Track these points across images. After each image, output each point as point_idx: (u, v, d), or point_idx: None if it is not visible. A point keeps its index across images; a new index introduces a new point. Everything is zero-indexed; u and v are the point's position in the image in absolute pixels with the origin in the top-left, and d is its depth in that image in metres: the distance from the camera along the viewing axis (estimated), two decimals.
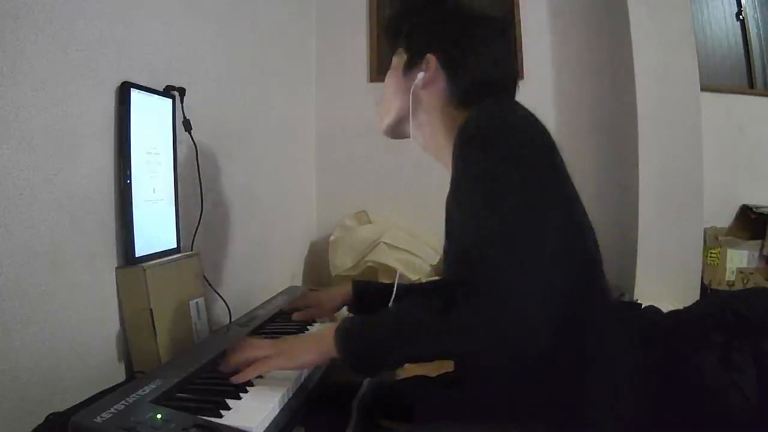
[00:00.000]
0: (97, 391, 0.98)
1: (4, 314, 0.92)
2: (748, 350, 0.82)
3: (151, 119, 1.28)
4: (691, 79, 2.25)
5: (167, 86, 1.36)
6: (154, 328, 1.16)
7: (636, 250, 2.22)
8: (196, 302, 1.34)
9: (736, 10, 2.81)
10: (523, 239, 0.70)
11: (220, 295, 1.48)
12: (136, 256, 1.19)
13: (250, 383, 0.83)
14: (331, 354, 0.80)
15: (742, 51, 2.83)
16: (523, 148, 0.75)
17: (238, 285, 1.71)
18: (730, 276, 2.43)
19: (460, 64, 0.92)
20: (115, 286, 1.17)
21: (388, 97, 1.00)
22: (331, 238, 2.35)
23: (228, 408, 0.75)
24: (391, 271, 2.13)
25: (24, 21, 0.95)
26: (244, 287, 1.76)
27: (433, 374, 1.08)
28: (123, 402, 0.72)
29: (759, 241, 2.45)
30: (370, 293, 1.20)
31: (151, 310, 1.16)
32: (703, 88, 2.28)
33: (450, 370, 1.03)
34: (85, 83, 1.10)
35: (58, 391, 1.01)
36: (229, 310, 1.49)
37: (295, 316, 1.24)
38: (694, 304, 0.96)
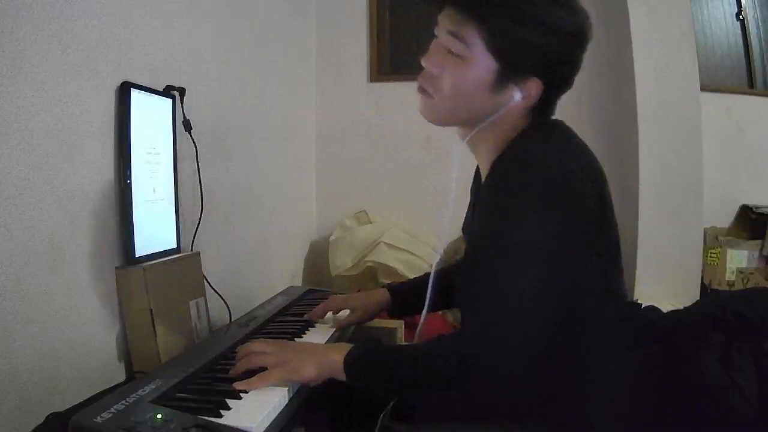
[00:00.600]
0: (97, 391, 0.98)
1: (4, 314, 0.92)
2: (748, 350, 0.82)
3: (151, 119, 1.28)
4: (691, 79, 2.25)
5: (167, 86, 1.36)
6: (154, 328, 1.16)
7: (636, 250, 2.23)
8: (196, 302, 1.34)
9: (736, 10, 2.81)
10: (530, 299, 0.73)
11: (220, 295, 1.48)
12: (136, 256, 1.19)
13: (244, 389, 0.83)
14: (336, 377, 0.80)
15: (742, 51, 2.83)
16: (557, 182, 0.74)
17: (238, 285, 1.71)
18: (730, 276, 2.42)
19: (564, 86, 0.84)
20: (115, 286, 1.17)
21: (458, 98, 0.83)
22: (331, 238, 2.35)
23: (228, 408, 0.75)
24: (391, 271, 2.13)
25: (24, 21, 0.95)
26: (244, 287, 1.76)
27: None
28: (123, 402, 0.72)
29: (759, 241, 2.45)
30: (407, 296, 1.16)
31: (151, 310, 1.16)
32: (703, 88, 2.28)
33: None
34: (85, 83, 1.10)
35: (58, 391, 1.01)
36: (229, 310, 1.49)
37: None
38: (694, 304, 0.97)
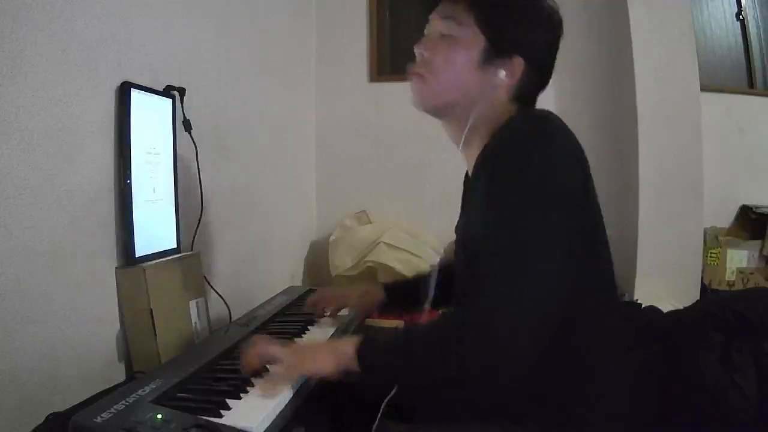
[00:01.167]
0: (97, 391, 0.98)
1: (4, 314, 0.92)
2: (748, 350, 0.82)
3: (151, 119, 1.28)
4: (691, 79, 2.25)
5: (167, 86, 1.36)
6: (154, 328, 1.16)
7: (636, 250, 2.22)
8: (196, 302, 1.34)
9: (736, 10, 2.80)
10: (530, 262, 0.72)
11: (220, 295, 1.48)
12: (136, 256, 1.19)
13: (250, 383, 0.83)
14: (349, 369, 0.80)
15: (742, 51, 2.82)
16: (555, 178, 0.75)
17: (238, 285, 1.71)
18: (730, 276, 2.42)
19: (544, 71, 0.89)
20: (115, 286, 1.17)
21: (449, 74, 0.87)
22: (331, 238, 2.35)
23: (228, 408, 0.75)
24: (391, 271, 2.13)
25: (24, 21, 0.95)
26: (244, 287, 1.76)
27: None
28: (123, 402, 0.72)
29: (759, 241, 2.45)
30: (401, 291, 1.19)
31: (151, 310, 1.16)
32: (703, 88, 2.28)
33: None
34: (85, 83, 1.10)
35: (58, 391, 1.01)
36: (229, 310, 1.49)
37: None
38: (694, 304, 0.97)
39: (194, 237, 1.45)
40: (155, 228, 1.28)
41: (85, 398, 0.96)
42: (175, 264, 1.29)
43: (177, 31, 1.44)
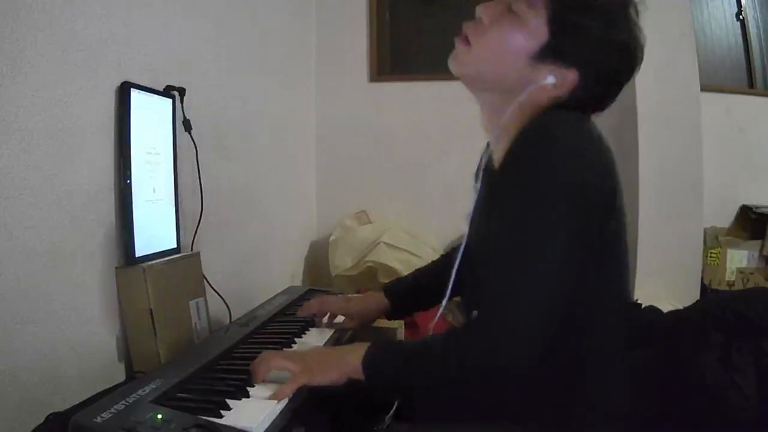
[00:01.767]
0: (97, 391, 0.98)
1: (4, 314, 0.92)
2: (748, 350, 0.82)
3: (151, 119, 1.28)
4: (691, 79, 2.25)
5: (167, 86, 1.36)
6: (154, 328, 1.16)
7: (636, 250, 2.22)
8: (196, 302, 1.34)
9: (736, 10, 2.80)
10: (540, 270, 0.72)
11: (220, 295, 1.48)
12: (136, 256, 1.19)
13: (250, 383, 0.83)
14: (355, 377, 0.80)
15: (742, 51, 2.83)
16: (555, 178, 0.72)
17: (238, 285, 1.71)
18: (730, 276, 2.42)
19: (599, 95, 0.83)
20: (115, 286, 1.17)
21: (497, 50, 0.81)
22: (331, 238, 2.35)
23: (228, 408, 0.75)
24: (391, 271, 2.13)
25: (24, 21, 0.95)
26: (244, 287, 1.76)
27: None
28: (123, 402, 0.72)
29: (759, 241, 2.45)
30: (405, 298, 1.16)
31: (151, 310, 1.16)
32: (703, 88, 2.28)
33: None
34: (85, 83, 1.10)
35: (58, 391, 1.01)
36: (229, 310, 1.49)
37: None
38: (694, 304, 0.96)
39: (194, 237, 1.45)
40: (155, 228, 1.28)
41: (85, 398, 0.96)
42: (175, 264, 1.29)
43: (177, 31, 1.44)
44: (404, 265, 2.15)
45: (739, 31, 2.82)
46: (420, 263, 2.19)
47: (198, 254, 1.42)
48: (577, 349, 0.78)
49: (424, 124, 2.48)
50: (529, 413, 0.79)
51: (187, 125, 1.41)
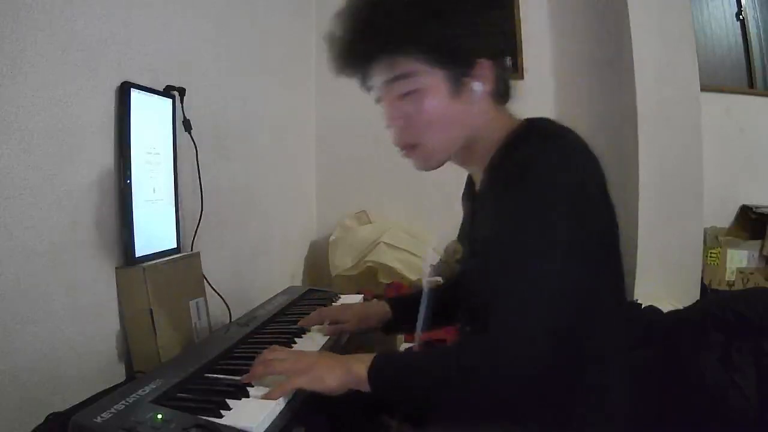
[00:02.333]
0: (97, 391, 0.98)
1: (4, 314, 0.92)
2: (748, 350, 0.82)
3: (151, 119, 1.28)
4: (691, 79, 2.24)
5: (167, 86, 1.36)
6: (154, 328, 1.16)
7: (636, 250, 2.22)
8: (196, 302, 1.35)
9: (736, 10, 2.80)
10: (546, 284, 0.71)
11: (220, 295, 1.48)
12: (136, 256, 1.19)
13: (250, 383, 0.83)
14: (360, 388, 0.78)
15: (742, 51, 2.82)
16: (553, 179, 0.73)
17: (238, 285, 1.71)
18: (730, 276, 2.42)
19: (503, 63, 0.84)
20: (115, 286, 1.17)
21: (435, 127, 0.83)
22: (331, 238, 2.35)
23: (228, 408, 0.75)
24: (391, 271, 2.13)
25: (24, 21, 0.95)
26: (244, 287, 1.76)
27: None
28: (123, 402, 0.72)
29: (759, 241, 2.44)
30: (407, 313, 1.13)
31: (151, 310, 1.16)
32: (703, 88, 2.28)
33: None
34: (85, 83, 1.10)
35: (58, 391, 1.01)
36: (229, 310, 1.49)
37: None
38: (694, 304, 0.96)
39: (194, 237, 1.45)
40: (155, 228, 1.28)
41: (85, 398, 0.96)
42: (175, 264, 1.29)
43: (177, 31, 1.44)
44: (404, 265, 2.15)
45: (739, 31, 2.82)
46: (420, 263, 2.20)
47: (198, 254, 1.42)
48: (578, 349, 0.78)
49: None
50: (529, 413, 0.79)
51: (187, 125, 1.41)
